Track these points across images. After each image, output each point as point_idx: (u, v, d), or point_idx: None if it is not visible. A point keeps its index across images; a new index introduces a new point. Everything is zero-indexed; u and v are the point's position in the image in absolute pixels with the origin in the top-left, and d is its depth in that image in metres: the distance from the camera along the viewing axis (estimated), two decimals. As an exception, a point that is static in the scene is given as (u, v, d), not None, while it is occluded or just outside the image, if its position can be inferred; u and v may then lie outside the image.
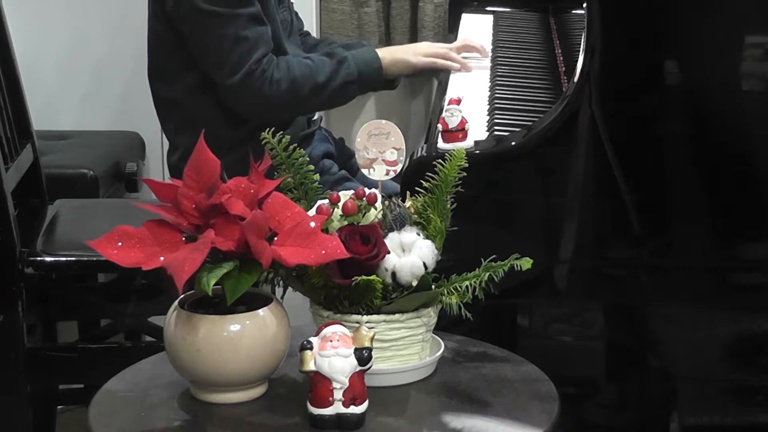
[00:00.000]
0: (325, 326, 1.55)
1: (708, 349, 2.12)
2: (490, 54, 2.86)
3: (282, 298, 1.68)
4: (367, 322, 1.63)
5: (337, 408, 1.52)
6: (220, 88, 2.55)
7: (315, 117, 2.85)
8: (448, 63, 2.76)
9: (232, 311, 1.59)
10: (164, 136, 2.82)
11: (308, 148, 2.68)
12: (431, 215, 1.70)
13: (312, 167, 1.78)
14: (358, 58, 2.64)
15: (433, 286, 1.67)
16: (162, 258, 1.56)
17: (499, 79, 2.62)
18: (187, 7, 2.52)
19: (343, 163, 2.79)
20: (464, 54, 2.84)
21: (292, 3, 2.85)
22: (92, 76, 3.43)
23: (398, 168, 1.77)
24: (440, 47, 2.80)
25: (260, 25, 2.54)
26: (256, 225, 1.55)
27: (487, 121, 2.34)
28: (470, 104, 2.31)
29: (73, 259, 2.40)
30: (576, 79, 2.01)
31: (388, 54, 2.71)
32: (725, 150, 2.04)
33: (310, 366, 1.52)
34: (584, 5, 2.02)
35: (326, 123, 3.21)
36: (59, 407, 2.72)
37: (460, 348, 1.79)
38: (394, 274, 1.64)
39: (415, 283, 1.64)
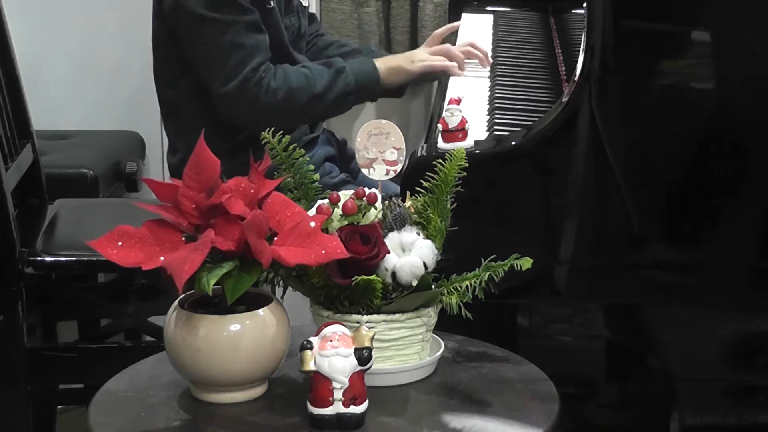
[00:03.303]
0: (325, 326, 1.55)
1: (708, 349, 2.12)
2: (491, 61, 2.84)
3: (282, 298, 1.68)
4: (367, 322, 1.63)
5: (337, 408, 1.52)
6: (215, 96, 2.50)
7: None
8: (446, 64, 2.68)
9: (232, 311, 1.59)
10: (164, 135, 2.81)
11: (310, 152, 2.67)
12: (431, 215, 1.70)
13: (312, 167, 1.78)
14: (356, 69, 2.60)
15: (433, 286, 1.67)
16: (162, 258, 1.56)
17: (499, 79, 2.62)
18: (184, 12, 2.47)
19: (345, 166, 2.78)
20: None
21: (306, 7, 2.82)
22: (93, 77, 3.43)
23: (398, 168, 1.77)
24: (439, 48, 2.73)
25: (258, 33, 2.50)
26: (256, 225, 1.55)
27: (487, 121, 2.34)
28: (470, 104, 2.31)
29: (73, 259, 2.40)
30: (576, 79, 2.01)
31: (385, 63, 2.65)
32: (725, 150, 2.04)
33: (310, 366, 1.52)
34: (584, 5, 2.02)
35: (326, 123, 3.20)
36: (59, 407, 2.72)
37: (460, 348, 1.79)
38: (394, 274, 1.64)
39: (415, 283, 1.64)
